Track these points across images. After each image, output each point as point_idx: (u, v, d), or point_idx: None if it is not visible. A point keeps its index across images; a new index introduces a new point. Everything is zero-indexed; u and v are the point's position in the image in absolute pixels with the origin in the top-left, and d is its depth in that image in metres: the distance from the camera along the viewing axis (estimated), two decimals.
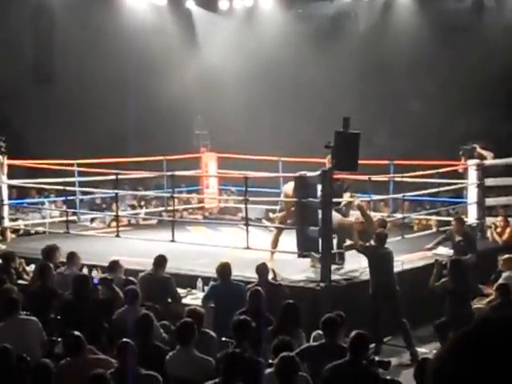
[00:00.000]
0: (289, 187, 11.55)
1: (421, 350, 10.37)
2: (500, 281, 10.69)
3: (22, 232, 15.49)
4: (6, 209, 14.60)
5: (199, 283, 10.87)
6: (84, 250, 11.71)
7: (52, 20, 20.21)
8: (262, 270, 9.96)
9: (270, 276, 10.14)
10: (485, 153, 14.94)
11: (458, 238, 12.32)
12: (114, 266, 10.44)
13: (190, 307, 8.51)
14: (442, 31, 19.54)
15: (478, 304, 10.61)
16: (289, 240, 11.78)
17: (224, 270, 9.89)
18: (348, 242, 11.29)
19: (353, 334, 6.98)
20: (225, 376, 6.36)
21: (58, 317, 9.08)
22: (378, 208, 16.37)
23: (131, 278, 9.91)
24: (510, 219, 14.14)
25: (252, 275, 10.32)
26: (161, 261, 10.37)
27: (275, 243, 11.84)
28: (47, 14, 20.21)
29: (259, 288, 9.11)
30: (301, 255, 11.19)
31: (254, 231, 12.44)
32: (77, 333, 7.06)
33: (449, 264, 10.27)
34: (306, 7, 21.59)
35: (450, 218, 15.50)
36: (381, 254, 10.68)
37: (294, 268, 11.29)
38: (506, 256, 11.44)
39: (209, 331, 8.04)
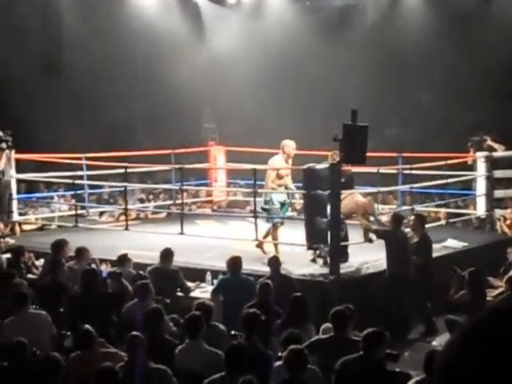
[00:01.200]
0: (274, 160, 12.06)
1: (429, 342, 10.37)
2: (511, 273, 10.63)
3: (35, 227, 15.49)
4: (15, 203, 14.62)
5: (208, 276, 10.87)
6: (93, 243, 11.71)
7: (60, 12, 20.21)
8: (273, 262, 9.97)
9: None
10: (496, 145, 14.88)
11: (414, 240, 11.11)
12: (123, 259, 10.45)
13: (199, 300, 8.52)
14: (451, 22, 19.49)
15: (488, 297, 10.56)
16: (293, 233, 11.81)
17: (235, 263, 9.89)
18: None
19: (366, 331, 6.93)
20: (229, 369, 6.37)
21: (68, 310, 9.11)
22: (387, 201, 16.33)
23: (141, 273, 9.92)
24: None
25: (260, 268, 10.34)
26: (167, 254, 10.37)
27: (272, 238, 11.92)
28: (55, 7, 20.22)
29: (268, 281, 9.12)
30: (310, 247, 11.18)
31: (262, 224, 12.42)
32: (87, 327, 7.08)
33: (467, 275, 9.86)
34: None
35: (460, 211, 15.48)
36: (399, 237, 10.67)
37: (303, 261, 11.28)
38: None
39: (218, 324, 8.06)
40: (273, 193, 11.96)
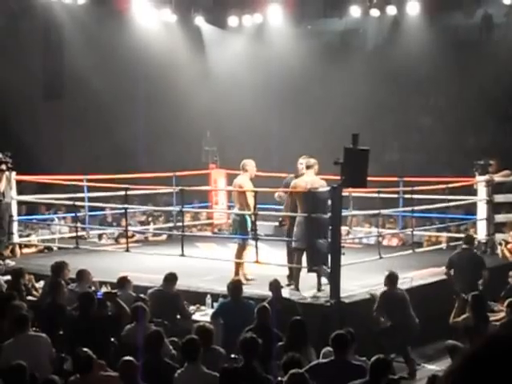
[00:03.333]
0: (240, 180, 12.13)
1: (431, 367, 10.32)
2: None
3: (35, 250, 15.41)
4: (15, 225, 14.60)
5: (208, 299, 10.85)
6: (93, 265, 11.70)
7: (62, 36, 20.32)
8: (275, 286, 9.94)
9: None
10: (501, 174, 14.76)
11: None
12: (123, 282, 10.42)
13: (199, 324, 8.50)
14: (452, 47, 19.56)
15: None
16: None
17: (236, 287, 9.89)
18: None
19: (375, 358, 6.88)
20: None
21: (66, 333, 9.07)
22: (387, 225, 16.27)
23: (142, 295, 9.89)
24: None
25: (256, 291, 10.36)
26: (171, 278, 10.37)
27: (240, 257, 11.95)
28: (57, 31, 20.32)
29: (266, 305, 9.09)
30: (310, 270, 11.15)
31: (263, 247, 12.40)
32: (87, 350, 7.04)
33: (470, 299, 9.79)
34: (315, 24, 21.66)
35: (460, 235, 15.43)
36: (395, 297, 10.47)
37: (303, 284, 11.23)
38: None
39: (218, 348, 8.02)
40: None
